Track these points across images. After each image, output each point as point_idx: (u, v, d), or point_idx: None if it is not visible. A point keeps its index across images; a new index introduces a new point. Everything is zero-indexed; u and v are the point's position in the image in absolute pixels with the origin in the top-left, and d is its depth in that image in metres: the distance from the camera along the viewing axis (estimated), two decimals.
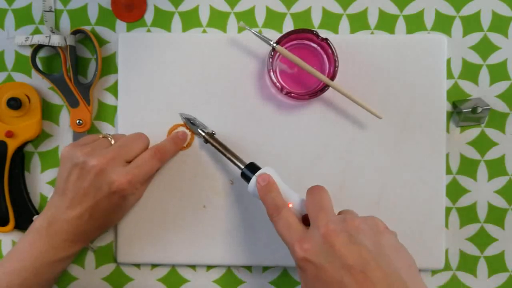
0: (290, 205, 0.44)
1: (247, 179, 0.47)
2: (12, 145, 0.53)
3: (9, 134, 0.52)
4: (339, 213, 0.43)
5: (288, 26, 0.55)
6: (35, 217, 0.53)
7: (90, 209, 0.46)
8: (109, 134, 0.50)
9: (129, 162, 0.48)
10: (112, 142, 0.49)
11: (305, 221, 0.43)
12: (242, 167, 0.48)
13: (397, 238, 0.41)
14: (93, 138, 0.50)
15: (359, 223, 0.39)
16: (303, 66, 0.50)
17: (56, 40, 0.53)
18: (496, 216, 0.55)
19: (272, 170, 0.46)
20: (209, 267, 0.55)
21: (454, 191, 0.55)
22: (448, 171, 0.55)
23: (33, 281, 0.46)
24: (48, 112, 0.55)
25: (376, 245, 0.38)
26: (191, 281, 0.55)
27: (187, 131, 0.54)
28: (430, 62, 0.54)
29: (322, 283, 0.37)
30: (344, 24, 0.55)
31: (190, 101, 0.54)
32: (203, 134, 0.52)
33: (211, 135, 0.52)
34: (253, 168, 0.47)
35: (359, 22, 0.55)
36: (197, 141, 0.54)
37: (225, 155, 0.50)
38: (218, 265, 0.55)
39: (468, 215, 0.55)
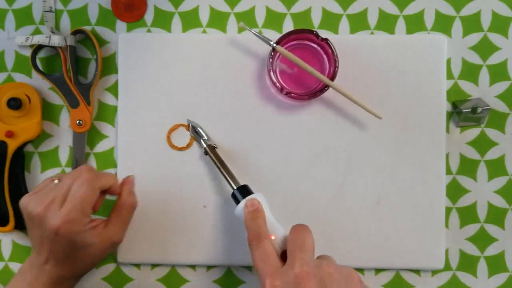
0: (273, 237, 0.44)
1: (237, 201, 0.47)
2: (12, 145, 0.53)
3: (9, 134, 0.52)
4: (318, 257, 0.43)
5: (288, 26, 0.55)
6: None
7: (51, 254, 0.46)
8: (58, 176, 0.48)
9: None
10: (56, 182, 0.47)
11: (284, 257, 0.43)
12: (234, 187, 0.48)
13: None
14: (45, 183, 0.48)
15: (333, 271, 0.40)
16: (303, 66, 0.50)
17: (56, 40, 0.53)
18: (496, 216, 0.55)
19: (263, 197, 0.47)
20: (209, 267, 0.55)
21: (454, 191, 0.55)
22: (448, 171, 0.55)
23: None
24: (48, 112, 0.55)
25: None
26: (191, 281, 0.55)
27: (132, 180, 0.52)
28: (430, 62, 0.54)
29: None
30: (344, 24, 0.55)
31: (190, 101, 0.54)
32: (205, 145, 0.52)
33: (212, 148, 0.52)
34: (245, 191, 0.47)
35: (359, 22, 0.55)
36: (197, 141, 0.54)
37: (221, 172, 0.50)
38: (218, 265, 0.55)
39: (468, 215, 0.55)
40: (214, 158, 0.51)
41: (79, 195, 0.45)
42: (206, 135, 0.53)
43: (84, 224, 0.46)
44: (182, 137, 0.54)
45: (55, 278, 0.47)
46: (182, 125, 0.54)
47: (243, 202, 0.46)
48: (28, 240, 0.49)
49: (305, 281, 0.39)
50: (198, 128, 0.53)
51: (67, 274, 0.48)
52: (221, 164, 0.50)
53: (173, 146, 0.54)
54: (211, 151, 0.51)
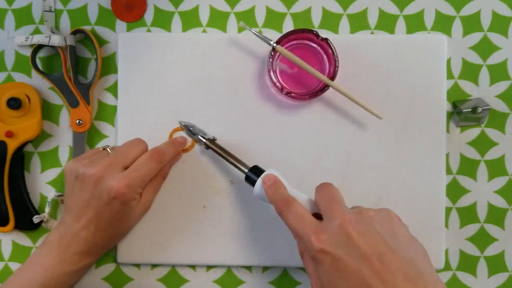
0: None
1: (252, 182, 0.47)
2: (12, 145, 0.53)
3: (9, 134, 0.52)
4: (352, 207, 0.44)
5: (288, 26, 0.55)
6: (34, 218, 0.53)
7: (94, 219, 0.47)
8: (109, 146, 0.50)
9: (127, 167, 0.48)
10: (109, 151, 0.50)
11: (316, 218, 0.43)
12: (246, 170, 0.48)
13: (408, 230, 0.41)
14: (93, 151, 0.50)
15: (374, 214, 0.40)
16: (303, 66, 0.50)
17: (56, 40, 0.53)
18: (496, 216, 0.55)
19: (277, 171, 0.47)
20: (209, 267, 0.55)
21: (454, 191, 0.55)
22: (448, 171, 0.55)
23: None
24: (48, 112, 0.55)
25: (391, 235, 0.39)
26: (191, 281, 0.55)
27: (185, 137, 0.54)
28: (430, 62, 0.54)
29: (340, 273, 0.38)
30: (344, 24, 0.55)
31: (190, 101, 0.54)
32: (204, 140, 0.52)
33: (212, 141, 0.52)
34: (257, 171, 0.47)
35: (359, 22, 0.55)
36: (195, 140, 0.54)
37: (228, 160, 0.50)
38: (218, 265, 0.55)
39: (468, 215, 0.55)
40: (217, 149, 0.51)
41: (147, 168, 0.48)
42: (202, 131, 0.53)
43: (138, 194, 0.48)
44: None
45: (88, 247, 0.48)
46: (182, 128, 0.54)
47: (259, 181, 0.46)
48: (65, 208, 0.49)
49: (349, 228, 0.38)
50: (191, 128, 0.53)
51: (101, 242, 0.49)
52: (225, 153, 0.50)
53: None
54: (212, 143, 0.51)
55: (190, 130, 0.53)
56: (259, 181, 0.46)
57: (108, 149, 0.50)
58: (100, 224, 0.47)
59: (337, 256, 0.38)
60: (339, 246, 0.38)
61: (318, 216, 0.42)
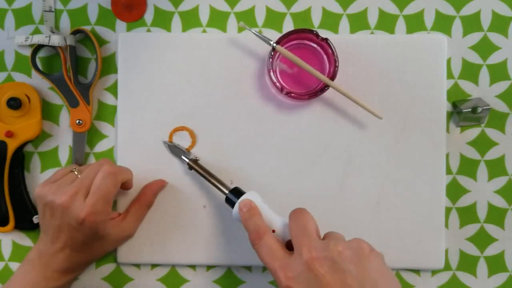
0: (274, 231, 0.44)
1: (232, 204, 0.47)
2: (12, 145, 0.53)
3: (9, 134, 0.52)
4: (324, 236, 0.43)
5: (288, 26, 0.55)
6: (34, 218, 0.53)
7: (69, 243, 0.48)
8: (75, 168, 0.50)
9: None
10: (77, 174, 0.49)
11: (290, 246, 0.42)
12: (227, 192, 0.48)
13: (383, 260, 0.40)
14: (62, 173, 0.50)
15: (343, 248, 0.39)
16: (303, 66, 0.50)
17: (56, 40, 0.53)
18: (496, 216, 0.55)
19: (256, 194, 0.46)
20: (209, 267, 0.55)
21: (454, 191, 0.55)
22: (448, 171, 0.55)
23: None
24: (48, 112, 0.55)
25: (360, 270, 0.38)
26: (191, 281, 0.55)
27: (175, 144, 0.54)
28: (430, 62, 0.54)
29: None
30: (344, 24, 0.55)
31: (190, 101, 0.54)
32: (187, 160, 0.52)
33: (195, 161, 0.52)
34: (237, 193, 0.47)
35: (359, 22, 0.55)
36: (197, 142, 0.54)
37: (209, 181, 0.50)
38: (218, 265, 0.55)
39: (468, 215, 0.55)
40: (200, 170, 0.51)
41: (104, 187, 0.47)
42: (184, 151, 0.53)
43: (106, 216, 0.48)
44: (184, 138, 0.54)
45: (67, 265, 0.49)
46: (183, 128, 0.53)
47: (237, 205, 0.46)
48: (41, 228, 0.50)
49: (316, 266, 0.37)
50: (176, 146, 0.53)
51: (80, 262, 0.50)
52: (208, 174, 0.50)
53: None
54: (194, 164, 0.51)
55: (175, 147, 0.53)
56: (237, 205, 0.46)
57: (75, 172, 0.50)
58: (75, 246, 0.48)
59: None
60: (306, 284, 0.37)
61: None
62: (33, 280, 0.47)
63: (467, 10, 0.55)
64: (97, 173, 0.48)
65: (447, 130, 0.54)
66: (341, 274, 0.37)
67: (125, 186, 0.52)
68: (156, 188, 0.53)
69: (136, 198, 0.53)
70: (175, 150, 0.53)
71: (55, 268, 0.48)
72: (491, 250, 0.55)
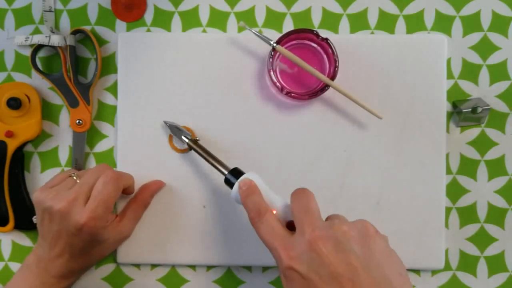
0: (274, 212, 0.42)
1: (230, 185, 0.46)
2: (12, 145, 0.53)
3: (9, 134, 0.52)
4: (327, 218, 0.41)
5: (288, 26, 0.55)
6: (34, 218, 0.53)
7: (67, 249, 0.47)
8: (74, 174, 0.49)
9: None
10: (75, 179, 0.49)
11: (290, 227, 0.41)
12: (226, 172, 0.47)
13: (387, 242, 0.39)
14: (61, 178, 0.49)
15: (347, 228, 0.38)
16: (303, 66, 0.50)
17: (56, 40, 0.53)
18: (496, 216, 0.55)
19: (256, 175, 0.45)
20: (209, 267, 0.55)
21: (454, 191, 0.55)
22: (448, 171, 0.55)
23: None
24: (48, 112, 0.55)
25: (365, 251, 0.37)
26: (191, 281, 0.55)
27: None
28: (430, 62, 0.54)
29: None
30: (344, 24, 0.55)
31: (190, 101, 0.54)
32: (187, 140, 0.51)
33: (195, 141, 0.51)
34: (236, 173, 0.46)
35: (359, 22, 0.55)
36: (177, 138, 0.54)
37: (208, 161, 0.49)
38: (218, 265, 0.55)
39: (468, 215, 0.55)
40: (199, 150, 0.50)
41: (106, 193, 0.47)
42: (186, 131, 0.52)
43: (106, 221, 0.48)
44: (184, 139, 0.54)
45: (65, 271, 0.48)
46: (184, 127, 0.53)
47: (237, 184, 0.44)
48: (39, 233, 0.49)
49: (319, 246, 0.36)
50: (176, 127, 0.52)
51: (78, 267, 0.50)
52: (207, 154, 0.50)
53: (175, 149, 0.54)
54: (194, 144, 0.51)
55: (177, 128, 0.52)
56: (236, 185, 0.44)
57: (74, 177, 0.49)
58: (73, 252, 0.48)
59: (306, 275, 0.36)
60: (309, 264, 0.36)
61: (293, 224, 0.40)
62: (31, 285, 0.47)
63: (467, 10, 0.55)
64: (98, 179, 0.48)
65: (447, 130, 0.54)
66: (345, 254, 0.36)
67: (127, 191, 0.52)
68: (153, 188, 0.53)
69: (133, 198, 0.53)
70: (175, 130, 0.52)
71: (53, 274, 0.48)
72: (491, 250, 0.55)
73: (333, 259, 0.36)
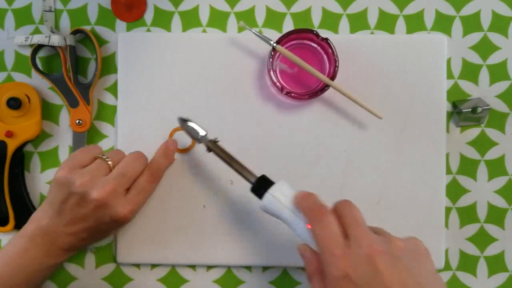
0: None
1: (259, 194, 0.44)
2: (12, 145, 0.53)
3: (9, 134, 0.52)
4: (371, 229, 0.41)
5: (288, 26, 0.55)
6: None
7: (87, 231, 0.47)
8: (103, 156, 0.48)
9: (128, 188, 0.48)
10: (110, 164, 0.47)
11: None
12: (253, 181, 0.44)
13: (434, 265, 0.40)
14: (88, 158, 0.48)
15: (403, 244, 0.38)
16: (303, 66, 0.50)
17: (56, 40, 0.53)
18: (496, 216, 0.55)
19: (286, 183, 0.44)
20: (209, 267, 0.55)
21: (454, 191, 0.55)
22: (448, 171, 0.55)
23: (23, 286, 0.46)
24: (48, 112, 0.55)
25: (417, 269, 0.37)
26: (191, 281, 0.55)
27: (175, 140, 0.53)
28: (430, 62, 0.54)
29: None
30: (344, 24, 0.55)
31: (190, 101, 0.54)
32: (205, 140, 0.47)
33: (214, 143, 0.47)
34: (264, 182, 0.44)
35: (359, 22, 0.55)
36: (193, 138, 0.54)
37: (231, 167, 0.46)
38: (218, 265, 0.55)
39: (468, 215, 0.55)
40: (220, 153, 0.46)
41: (149, 191, 0.50)
42: (203, 129, 0.48)
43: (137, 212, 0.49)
44: (183, 139, 0.54)
45: (76, 246, 0.48)
46: (181, 128, 0.53)
47: (269, 195, 0.43)
48: (53, 207, 0.47)
49: (377, 260, 0.36)
50: (192, 124, 0.48)
51: (86, 244, 0.50)
52: (229, 158, 0.46)
53: (175, 148, 0.53)
54: (214, 146, 0.46)
55: (189, 130, 0.48)
56: (268, 196, 0.43)
57: (107, 161, 0.47)
58: (91, 235, 0.48)
59: (360, 287, 0.36)
60: (364, 276, 0.36)
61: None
62: (34, 256, 0.46)
63: (467, 10, 0.55)
64: (134, 168, 0.48)
65: (447, 130, 0.55)
66: (399, 270, 0.36)
67: None
68: (161, 162, 0.51)
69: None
70: (191, 129, 0.48)
71: (60, 246, 0.47)
72: (491, 250, 0.55)
73: (388, 275, 0.36)
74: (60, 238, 0.47)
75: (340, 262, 0.37)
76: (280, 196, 0.43)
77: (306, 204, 0.41)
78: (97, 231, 0.48)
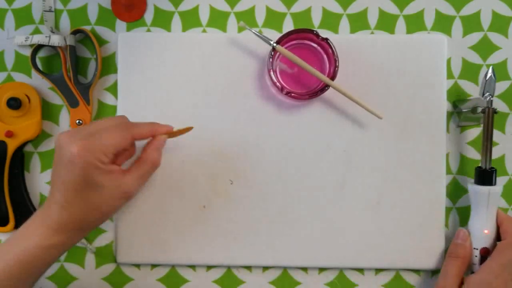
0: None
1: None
2: (12, 145, 0.53)
3: (9, 134, 0.52)
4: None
5: (288, 26, 0.55)
6: None
7: (62, 189, 0.44)
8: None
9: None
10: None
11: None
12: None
13: None
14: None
15: None
16: (303, 66, 0.50)
17: (56, 40, 0.53)
18: None
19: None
20: (209, 267, 0.55)
21: (454, 191, 0.55)
22: (448, 171, 0.55)
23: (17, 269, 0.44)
24: (48, 112, 0.55)
25: None
26: (191, 281, 0.55)
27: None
28: (430, 62, 0.54)
29: None
30: (344, 24, 0.55)
31: (190, 101, 0.54)
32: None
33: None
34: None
35: (359, 22, 0.55)
36: (196, 140, 0.54)
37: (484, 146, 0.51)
38: (218, 265, 0.55)
39: (468, 215, 0.55)
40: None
41: (110, 137, 0.45)
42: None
43: (101, 162, 0.44)
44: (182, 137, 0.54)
45: (60, 221, 0.45)
46: (181, 131, 0.51)
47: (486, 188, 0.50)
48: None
49: None
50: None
51: (72, 219, 0.45)
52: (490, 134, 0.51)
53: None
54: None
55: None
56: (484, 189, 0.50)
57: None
58: (68, 195, 0.44)
59: None
60: None
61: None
62: (31, 234, 0.44)
63: (467, 10, 0.55)
64: (107, 123, 0.46)
65: (447, 130, 0.54)
66: None
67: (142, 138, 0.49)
68: (154, 142, 0.49)
69: (140, 156, 0.49)
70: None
71: (48, 223, 0.44)
72: None
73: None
74: (47, 213, 0.45)
75: None
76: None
77: (459, 247, 0.51)
78: (71, 189, 0.44)
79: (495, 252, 0.49)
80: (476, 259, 0.50)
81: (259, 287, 0.55)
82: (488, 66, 0.54)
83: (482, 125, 0.52)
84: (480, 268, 0.49)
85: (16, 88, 0.53)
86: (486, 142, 0.50)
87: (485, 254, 0.50)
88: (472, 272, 0.50)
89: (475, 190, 0.51)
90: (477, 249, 0.50)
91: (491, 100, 0.50)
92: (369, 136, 0.54)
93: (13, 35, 0.55)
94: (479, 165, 0.52)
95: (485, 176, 0.50)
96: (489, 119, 0.50)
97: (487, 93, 0.50)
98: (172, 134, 0.50)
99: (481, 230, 0.50)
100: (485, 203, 0.50)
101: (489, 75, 0.50)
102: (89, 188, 0.45)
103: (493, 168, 0.50)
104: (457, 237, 0.52)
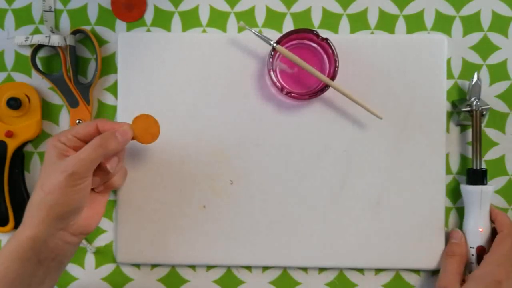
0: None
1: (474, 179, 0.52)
2: (12, 145, 0.53)
3: (9, 134, 0.52)
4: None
5: (288, 26, 0.55)
6: None
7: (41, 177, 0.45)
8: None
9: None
10: None
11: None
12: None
13: None
14: None
15: None
16: (303, 66, 0.50)
17: (56, 40, 0.53)
18: None
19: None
20: (209, 267, 0.55)
21: (454, 191, 0.55)
22: (448, 171, 0.55)
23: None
24: (48, 112, 0.55)
25: None
26: (191, 281, 0.55)
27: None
28: (430, 62, 0.54)
29: None
30: (344, 24, 0.55)
31: (190, 101, 0.54)
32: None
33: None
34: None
35: (359, 22, 0.55)
36: (196, 140, 0.54)
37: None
38: (218, 265, 0.55)
39: None
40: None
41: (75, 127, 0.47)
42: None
43: (59, 141, 0.45)
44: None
45: (40, 239, 0.44)
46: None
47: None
48: None
49: None
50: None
51: (51, 239, 0.45)
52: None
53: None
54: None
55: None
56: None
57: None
58: (40, 177, 0.45)
59: None
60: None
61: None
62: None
63: (467, 10, 0.55)
64: (92, 129, 0.46)
65: (447, 130, 0.54)
66: None
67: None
68: (108, 131, 0.47)
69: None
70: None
71: (33, 214, 0.44)
72: None
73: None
74: (33, 205, 0.44)
75: None
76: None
77: (456, 247, 0.52)
78: (42, 176, 0.45)
79: (494, 245, 0.49)
80: (473, 258, 0.51)
81: (259, 287, 0.55)
82: (488, 66, 0.55)
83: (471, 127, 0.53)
84: (481, 263, 0.49)
85: (16, 88, 0.53)
86: (476, 143, 0.52)
87: (481, 252, 0.50)
88: (470, 272, 0.50)
89: (468, 190, 0.52)
90: (473, 247, 0.51)
91: (478, 103, 0.51)
92: (369, 136, 0.54)
93: (13, 35, 0.55)
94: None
95: (477, 176, 0.51)
96: (477, 121, 0.51)
97: (473, 97, 0.52)
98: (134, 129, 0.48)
99: (475, 229, 0.51)
100: (478, 202, 0.51)
101: (474, 80, 0.52)
102: (46, 167, 0.45)
103: (483, 168, 0.52)
104: (452, 238, 0.53)
